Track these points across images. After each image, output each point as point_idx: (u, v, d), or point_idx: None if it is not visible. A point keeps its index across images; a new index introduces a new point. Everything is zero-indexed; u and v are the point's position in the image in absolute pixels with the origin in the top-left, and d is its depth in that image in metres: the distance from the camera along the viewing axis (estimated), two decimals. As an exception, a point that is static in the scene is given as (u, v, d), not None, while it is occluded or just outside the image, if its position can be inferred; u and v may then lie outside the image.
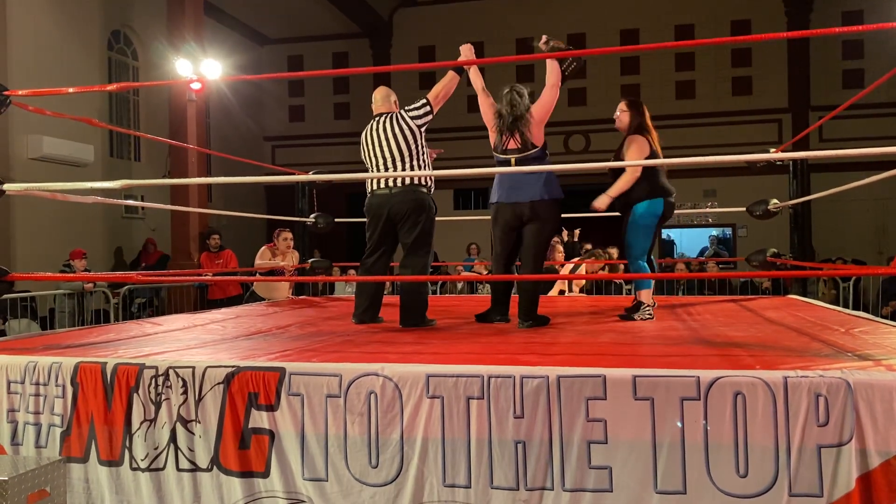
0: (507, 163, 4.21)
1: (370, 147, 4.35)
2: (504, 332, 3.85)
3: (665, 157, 4.47)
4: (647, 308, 4.30)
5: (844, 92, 14.21)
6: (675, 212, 4.52)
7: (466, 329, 4.07)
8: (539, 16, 15.95)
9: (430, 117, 4.29)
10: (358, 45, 17.07)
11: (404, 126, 4.24)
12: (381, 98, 4.45)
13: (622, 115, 4.45)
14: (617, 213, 4.47)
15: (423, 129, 4.29)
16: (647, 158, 4.20)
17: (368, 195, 4.40)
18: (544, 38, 4.18)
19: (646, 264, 4.34)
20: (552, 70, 4.15)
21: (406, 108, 4.33)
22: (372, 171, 4.35)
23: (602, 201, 4.29)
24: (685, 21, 15.45)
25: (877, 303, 8.63)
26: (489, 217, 4.39)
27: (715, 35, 14.52)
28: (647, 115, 4.41)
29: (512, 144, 4.19)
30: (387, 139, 4.26)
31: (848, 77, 14.85)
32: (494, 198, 4.29)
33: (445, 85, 4.30)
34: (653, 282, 4.41)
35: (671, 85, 15.78)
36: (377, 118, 4.38)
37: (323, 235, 7.78)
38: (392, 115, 4.32)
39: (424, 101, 4.29)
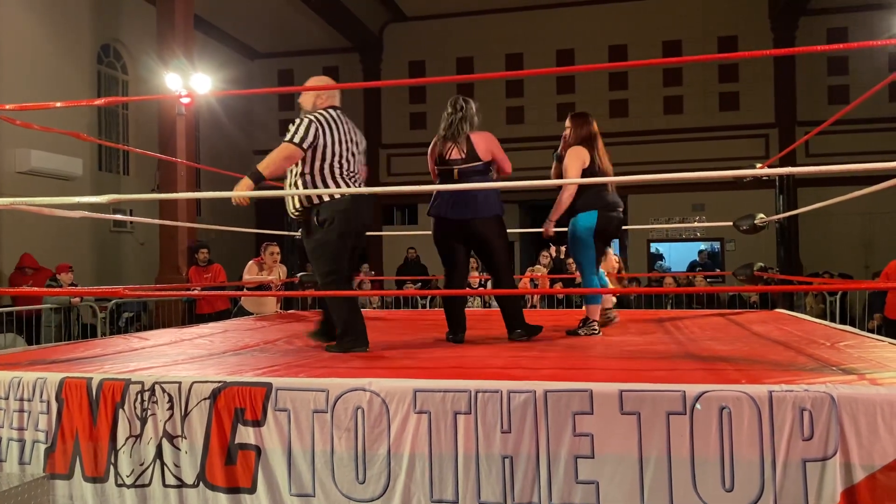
0: (448, 173, 4.02)
1: None
2: (492, 347, 3.85)
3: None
4: (594, 324, 4.24)
5: (830, 107, 14.35)
6: (664, 226, 4.54)
7: (453, 344, 4.06)
8: (528, 31, 16.06)
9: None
10: (348, 60, 17.12)
11: None
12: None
13: (566, 131, 4.34)
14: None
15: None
16: (586, 168, 4.13)
17: None
18: None
19: (596, 279, 4.27)
20: (505, 163, 4.13)
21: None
22: None
23: (547, 227, 4.41)
24: (673, 37, 15.58)
25: (863, 317, 8.68)
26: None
27: (702, 51, 14.65)
28: (594, 126, 4.27)
29: (455, 154, 3.98)
30: None
31: (833, 93, 15.00)
32: (438, 211, 4.04)
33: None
34: (602, 297, 4.29)
35: (659, 100, 15.89)
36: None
37: (312, 249, 7.75)
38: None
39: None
